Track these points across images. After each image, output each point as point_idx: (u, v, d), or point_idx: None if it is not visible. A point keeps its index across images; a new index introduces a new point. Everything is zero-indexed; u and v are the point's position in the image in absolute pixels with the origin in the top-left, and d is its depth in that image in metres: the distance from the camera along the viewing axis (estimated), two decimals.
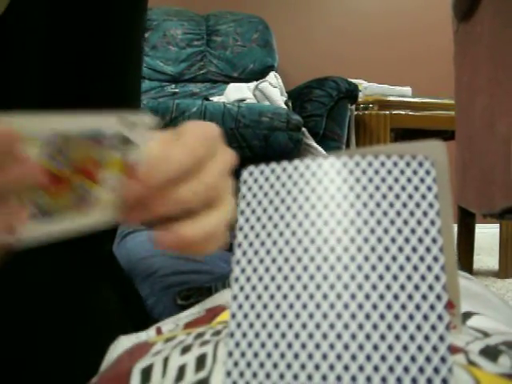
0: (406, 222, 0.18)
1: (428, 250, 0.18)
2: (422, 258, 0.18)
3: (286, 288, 0.18)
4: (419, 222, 0.18)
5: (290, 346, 0.18)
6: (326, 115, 1.75)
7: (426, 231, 0.18)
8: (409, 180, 0.19)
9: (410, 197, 0.19)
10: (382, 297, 0.18)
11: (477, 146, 1.08)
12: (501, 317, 0.33)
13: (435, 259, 0.18)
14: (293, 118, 1.52)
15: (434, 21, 2.71)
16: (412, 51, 2.77)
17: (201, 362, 0.22)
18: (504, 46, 0.90)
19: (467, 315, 0.28)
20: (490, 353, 0.21)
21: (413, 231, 0.18)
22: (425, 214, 0.18)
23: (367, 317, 0.17)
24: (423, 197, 0.19)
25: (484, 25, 1.02)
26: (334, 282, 0.18)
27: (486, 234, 2.69)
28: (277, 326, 0.18)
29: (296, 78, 2.31)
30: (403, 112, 1.94)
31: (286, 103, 1.85)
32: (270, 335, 0.18)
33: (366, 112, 1.92)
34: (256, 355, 0.18)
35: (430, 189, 0.19)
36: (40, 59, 0.44)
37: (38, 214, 0.25)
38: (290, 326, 0.18)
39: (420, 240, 0.18)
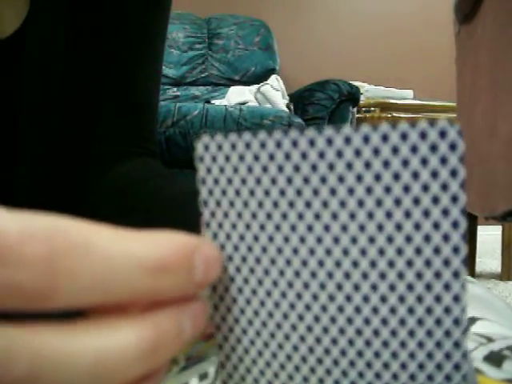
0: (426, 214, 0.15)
1: (446, 237, 0.15)
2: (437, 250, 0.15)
3: (270, 305, 0.17)
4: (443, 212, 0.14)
5: (282, 366, 0.17)
6: (327, 118, 1.75)
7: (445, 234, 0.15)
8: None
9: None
10: (391, 288, 0.15)
11: (478, 148, 1.08)
12: (504, 320, 0.33)
13: (455, 250, 0.15)
14: (295, 121, 1.52)
15: (437, 23, 2.71)
16: (413, 54, 2.77)
17: (204, 376, 0.22)
18: (505, 48, 0.90)
19: (472, 320, 0.28)
20: (494, 359, 0.21)
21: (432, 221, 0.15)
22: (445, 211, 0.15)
23: (374, 310, 0.16)
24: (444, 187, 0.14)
25: (485, 27, 1.02)
26: (340, 281, 0.16)
27: (488, 237, 2.68)
28: (266, 345, 0.17)
29: (297, 81, 2.31)
30: (405, 114, 1.94)
31: (287, 106, 1.85)
32: (260, 353, 0.17)
33: (368, 115, 1.93)
34: (249, 371, 0.17)
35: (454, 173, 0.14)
36: (59, 64, 0.45)
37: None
38: (281, 346, 0.17)
39: (436, 225, 0.15)
